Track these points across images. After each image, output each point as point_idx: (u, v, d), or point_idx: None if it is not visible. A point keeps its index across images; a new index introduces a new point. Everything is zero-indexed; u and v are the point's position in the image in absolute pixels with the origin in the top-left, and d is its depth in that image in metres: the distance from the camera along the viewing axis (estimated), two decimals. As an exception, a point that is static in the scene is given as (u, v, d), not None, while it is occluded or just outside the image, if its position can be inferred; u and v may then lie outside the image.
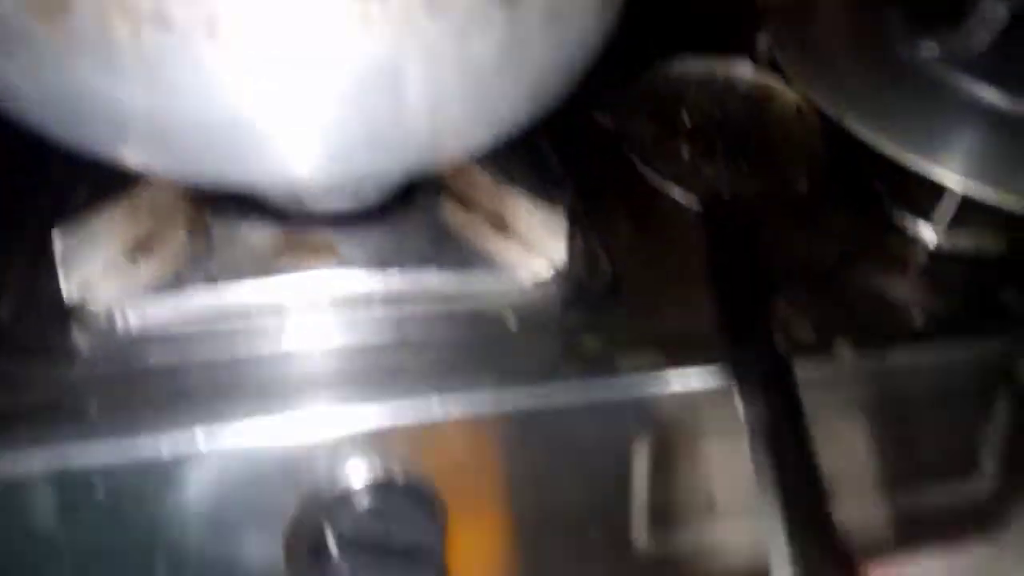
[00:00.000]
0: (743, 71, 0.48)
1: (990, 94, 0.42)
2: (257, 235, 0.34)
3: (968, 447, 0.36)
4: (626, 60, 0.48)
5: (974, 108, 0.42)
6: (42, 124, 0.26)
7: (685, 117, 0.45)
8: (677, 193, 0.41)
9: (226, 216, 0.34)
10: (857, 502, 0.36)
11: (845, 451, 0.36)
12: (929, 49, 0.44)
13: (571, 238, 0.37)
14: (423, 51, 0.25)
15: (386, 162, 0.29)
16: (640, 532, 0.34)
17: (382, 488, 0.30)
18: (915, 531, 0.37)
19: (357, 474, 0.29)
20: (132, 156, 0.27)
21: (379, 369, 0.32)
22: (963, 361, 0.36)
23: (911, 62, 0.44)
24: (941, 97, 0.42)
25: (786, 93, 0.46)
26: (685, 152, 0.44)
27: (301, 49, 0.23)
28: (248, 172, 0.28)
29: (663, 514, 0.34)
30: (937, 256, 0.40)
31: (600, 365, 0.33)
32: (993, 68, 0.43)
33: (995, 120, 0.41)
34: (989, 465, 0.37)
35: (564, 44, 0.29)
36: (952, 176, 0.38)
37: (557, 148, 0.43)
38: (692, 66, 0.47)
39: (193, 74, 0.23)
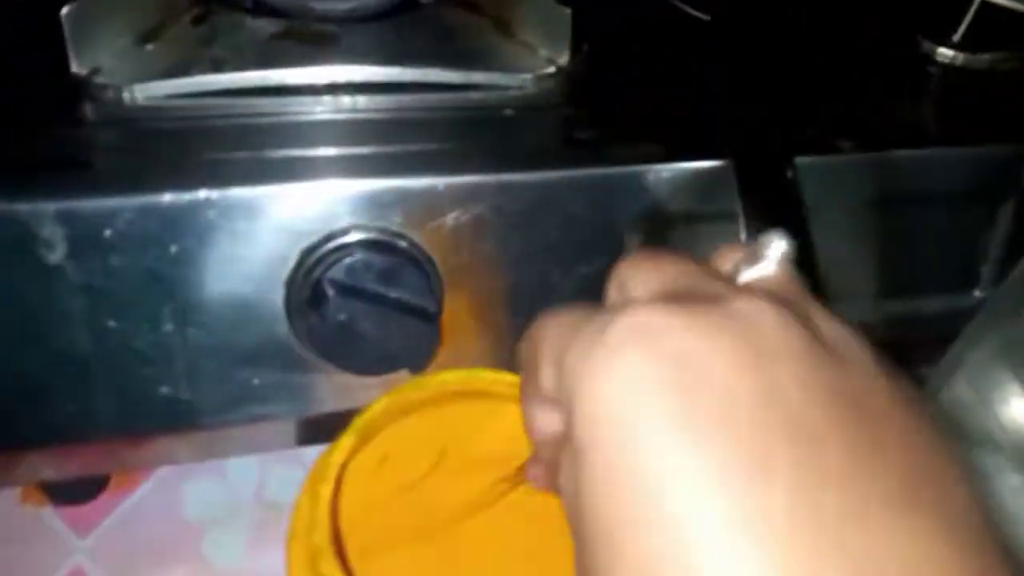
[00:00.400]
0: None
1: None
2: (260, 25, 0.35)
3: (970, 255, 0.36)
4: None
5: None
6: None
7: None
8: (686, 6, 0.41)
9: (230, 9, 0.35)
10: (851, 304, 0.36)
11: (844, 252, 0.35)
12: None
13: (577, 40, 0.37)
14: None
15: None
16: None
17: (379, 245, 0.31)
18: (909, 338, 0.37)
19: (356, 235, 0.30)
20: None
21: (377, 145, 0.32)
22: (968, 164, 0.35)
23: None
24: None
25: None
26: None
27: None
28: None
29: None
30: (954, 73, 0.39)
31: (596, 151, 0.33)
32: None
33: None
34: (988, 274, 0.36)
35: None
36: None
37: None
38: None
39: None
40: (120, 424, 0.30)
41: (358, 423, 0.26)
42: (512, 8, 0.37)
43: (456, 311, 0.32)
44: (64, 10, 0.32)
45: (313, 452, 0.27)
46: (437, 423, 0.29)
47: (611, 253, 0.33)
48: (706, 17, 0.40)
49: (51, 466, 0.34)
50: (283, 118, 0.33)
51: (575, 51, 0.36)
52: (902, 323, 0.36)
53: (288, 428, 0.34)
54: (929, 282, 0.36)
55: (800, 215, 0.32)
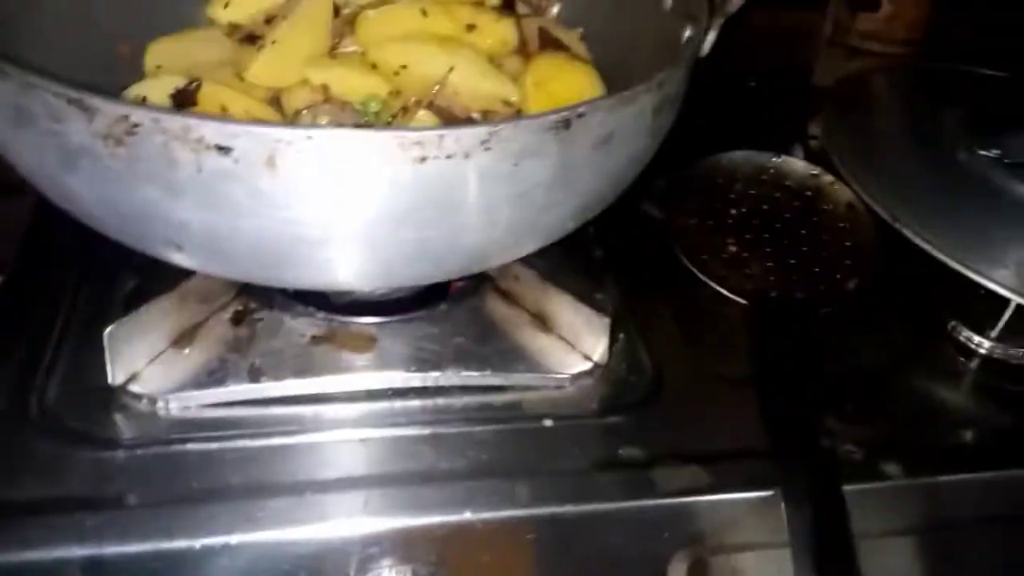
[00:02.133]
0: (794, 165, 0.47)
1: (1051, 201, 0.41)
2: (299, 324, 0.34)
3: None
4: (680, 152, 0.48)
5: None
6: (102, 227, 0.27)
7: (733, 210, 0.45)
8: (723, 290, 0.41)
9: (271, 305, 0.35)
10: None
11: (892, 570, 0.34)
12: (989, 153, 0.43)
13: (613, 335, 0.37)
14: (476, 178, 0.25)
15: (433, 273, 0.30)
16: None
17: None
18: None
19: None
20: (186, 260, 0.27)
21: (411, 468, 0.31)
22: (1005, 487, 0.34)
23: (970, 165, 0.43)
24: (1000, 202, 0.41)
25: (838, 189, 0.46)
26: (732, 246, 0.43)
27: (356, 181, 0.24)
28: (299, 279, 0.28)
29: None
30: (991, 366, 0.39)
31: (637, 478, 0.32)
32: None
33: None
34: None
35: (612, 166, 0.29)
36: (1009, 288, 0.37)
37: (603, 238, 0.43)
38: (742, 158, 0.47)
39: (250, 197, 0.23)
40: None
41: None
42: (549, 302, 0.36)
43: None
44: (107, 330, 0.32)
45: None
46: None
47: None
48: (743, 302, 0.39)
49: None
50: (316, 435, 0.32)
51: (612, 347, 0.36)
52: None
53: None
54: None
55: (849, 543, 0.31)
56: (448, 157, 0.23)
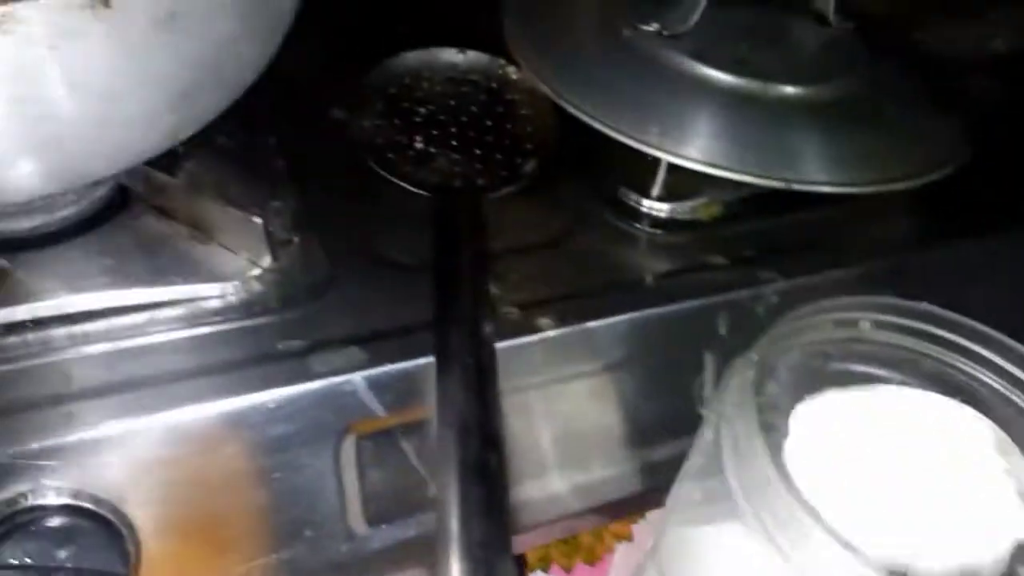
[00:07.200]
0: (480, 59, 0.48)
1: (704, 70, 0.44)
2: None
3: (680, 406, 0.38)
4: (367, 54, 0.48)
5: (690, 84, 0.44)
6: None
7: (421, 108, 0.45)
8: (407, 185, 0.41)
9: None
10: (578, 470, 0.37)
11: (565, 414, 0.37)
12: (649, 27, 0.46)
13: (284, 239, 0.37)
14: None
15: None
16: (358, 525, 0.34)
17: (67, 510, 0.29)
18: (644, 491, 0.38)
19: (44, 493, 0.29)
20: None
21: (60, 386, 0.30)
22: (670, 322, 0.37)
23: (632, 40, 0.45)
24: (655, 72, 0.44)
25: (521, 80, 0.47)
26: (419, 143, 0.44)
27: None
28: None
29: (376, 508, 0.34)
30: (654, 224, 0.42)
31: (294, 368, 0.32)
32: (706, 45, 0.45)
33: (710, 95, 0.43)
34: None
35: (194, 50, 0.28)
36: (665, 152, 0.40)
37: (288, 146, 0.42)
38: (429, 56, 0.48)
39: None
40: None
41: None
42: (204, 212, 0.36)
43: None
44: None
45: None
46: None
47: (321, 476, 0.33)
48: (428, 195, 0.40)
49: None
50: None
51: (284, 250, 0.36)
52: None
53: None
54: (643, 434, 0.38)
55: (490, 399, 0.33)
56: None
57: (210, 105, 0.31)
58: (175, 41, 0.27)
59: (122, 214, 0.36)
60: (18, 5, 0.23)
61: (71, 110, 0.26)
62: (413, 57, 0.47)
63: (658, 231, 0.42)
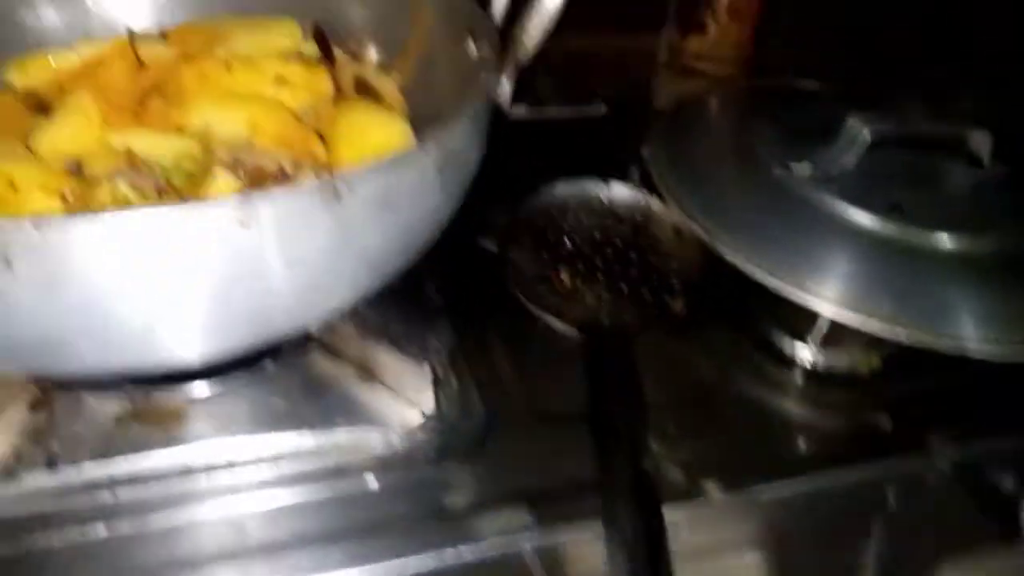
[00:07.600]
0: (622, 191, 0.48)
1: (858, 215, 0.43)
2: (102, 406, 0.33)
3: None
4: (513, 185, 0.49)
5: (844, 229, 0.43)
6: None
7: (567, 240, 0.46)
8: (555, 320, 0.41)
9: (71, 388, 0.33)
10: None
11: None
12: (801, 168, 0.45)
13: (443, 381, 0.37)
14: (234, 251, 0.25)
15: (223, 343, 0.29)
16: None
17: None
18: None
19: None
20: None
21: (225, 548, 0.31)
22: (835, 492, 0.36)
23: (782, 181, 0.45)
24: (812, 218, 0.43)
25: (665, 214, 0.47)
26: (566, 278, 0.44)
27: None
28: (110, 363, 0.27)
29: None
30: (811, 376, 0.41)
31: (463, 527, 0.32)
32: (860, 189, 0.44)
33: (864, 241, 0.42)
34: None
35: (402, 226, 0.29)
36: (822, 302, 0.39)
37: (439, 276, 0.43)
38: (574, 187, 0.48)
39: None
40: None
41: None
42: (372, 355, 0.36)
43: None
44: None
45: None
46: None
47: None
48: (577, 333, 0.40)
49: None
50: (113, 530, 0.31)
51: (443, 394, 0.36)
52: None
53: None
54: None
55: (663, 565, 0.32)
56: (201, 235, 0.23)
57: (405, 263, 0.31)
58: (388, 219, 0.28)
59: (293, 350, 0.37)
60: (257, 200, 0.24)
61: (284, 283, 0.27)
62: (560, 188, 0.48)
63: (814, 382, 0.41)
